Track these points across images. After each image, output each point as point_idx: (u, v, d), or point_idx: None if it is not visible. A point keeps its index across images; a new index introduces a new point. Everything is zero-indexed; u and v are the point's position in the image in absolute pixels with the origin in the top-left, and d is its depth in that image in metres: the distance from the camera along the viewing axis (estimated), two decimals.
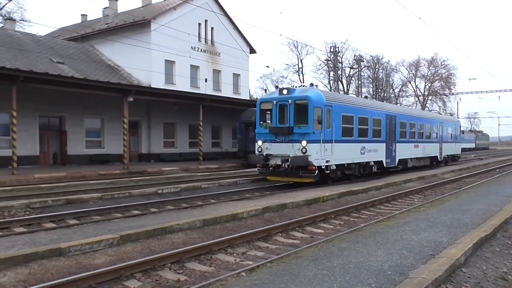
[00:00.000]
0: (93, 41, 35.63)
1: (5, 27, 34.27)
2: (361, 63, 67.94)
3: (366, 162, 21.00)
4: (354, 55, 67.59)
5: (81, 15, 45.52)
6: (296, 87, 19.03)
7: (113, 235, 8.38)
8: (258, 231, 9.73)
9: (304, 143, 16.82)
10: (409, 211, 12.62)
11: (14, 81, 19.86)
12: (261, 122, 18.69)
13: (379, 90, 78.50)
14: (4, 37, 27.89)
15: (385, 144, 22.48)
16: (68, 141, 27.61)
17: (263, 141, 18.10)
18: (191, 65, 35.67)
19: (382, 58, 79.22)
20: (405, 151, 24.71)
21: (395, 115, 23.83)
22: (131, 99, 24.40)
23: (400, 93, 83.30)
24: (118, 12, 38.26)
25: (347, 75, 73.27)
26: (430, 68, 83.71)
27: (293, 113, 17.48)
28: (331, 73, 69.53)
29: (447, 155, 32.51)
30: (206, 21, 37.33)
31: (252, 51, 42.52)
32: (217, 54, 38.33)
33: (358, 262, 6.59)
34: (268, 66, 79.65)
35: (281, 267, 6.62)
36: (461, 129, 39.00)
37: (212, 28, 37.97)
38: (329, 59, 65.80)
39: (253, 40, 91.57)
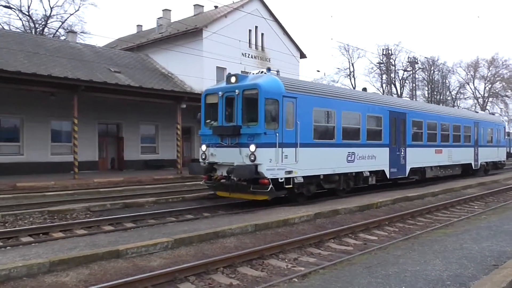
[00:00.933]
0: (148, 50, 36.89)
1: (67, 39, 36.22)
2: (415, 65, 65.93)
3: (356, 173, 16.22)
4: (408, 57, 65.72)
5: (137, 25, 47.26)
6: (251, 73, 14.42)
7: (168, 238, 8.60)
8: (310, 237, 9.64)
9: (252, 147, 12.61)
10: (469, 218, 12.06)
11: (75, 90, 20.95)
12: (206, 121, 14.47)
13: (435, 93, 75.77)
14: (66, 49, 29.46)
15: (388, 148, 17.75)
16: (125, 147, 28.75)
17: (207, 146, 14.00)
18: (241, 71, 35.80)
19: (437, 60, 76.45)
20: (421, 157, 20.06)
21: (404, 112, 18.93)
22: (184, 105, 25.04)
23: (457, 95, 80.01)
24: (171, 21, 39.41)
25: (400, 78, 71.35)
26: (490, 68, 79.71)
27: (241, 107, 13.23)
28: (384, 76, 67.98)
29: (485, 162, 27.15)
30: (256, 27, 37.66)
31: (303, 55, 42.39)
32: (268, 59, 38.52)
33: (415, 270, 6.37)
34: (318, 71, 79.23)
35: (334, 274, 6.52)
36: (506, 130, 33.72)
37: (262, 34, 38.24)
38: (381, 62, 64.38)
39: (304, 44, 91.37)
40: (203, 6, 40.72)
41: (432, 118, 21.50)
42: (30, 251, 7.62)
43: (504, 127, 31.68)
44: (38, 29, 34.24)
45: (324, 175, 14.70)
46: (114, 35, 74.41)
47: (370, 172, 16.77)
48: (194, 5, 40.75)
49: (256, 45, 37.80)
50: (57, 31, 37.15)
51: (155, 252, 8.15)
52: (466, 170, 25.09)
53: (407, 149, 19.09)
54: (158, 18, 40.17)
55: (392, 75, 66.08)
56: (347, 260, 7.63)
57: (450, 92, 79.62)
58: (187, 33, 33.98)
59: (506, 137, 34.63)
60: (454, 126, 23.40)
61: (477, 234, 8.92)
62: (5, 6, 33.55)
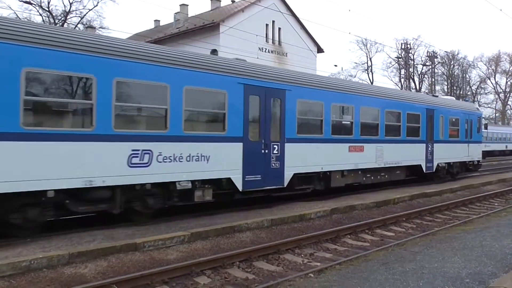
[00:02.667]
0: (165, 45, 37.08)
1: None
2: (435, 59, 64.87)
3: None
4: (427, 52, 64.65)
5: (154, 20, 47.57)
6: None
7: (184, 232, 8.67)
8: (326, 232, 9.62)
9: None
10: (489, 215, 11.88)
11: None
12: None
13: (455, 88, 74.52)
14: None
15: (242, 144, 11.32)
16: None
17: None
18: None
19: (457, 54, 75.08)
20: (315, 156, 13.23)
21: (279, 88, 12.25)
22: None
23: (478, 90, 78.56)
24: (189, 16, 39.53)
25: (419, 72, 70.36)
26: None
27: None
28: (402, 71, 67.10)
29: (446, 162, 20.19)
30: (273, 22, 37.51)
31: (320, 50, 42.11)
32: (285, 54, 38.38)
33: (432, 267, 6.29)
34: (336, 65, 78.37)
35: (350, 269, 6.49)
36: (483, 121, 24.85)
37: (279, 29, 38.09)
38: (400, 56, 63.54)
39: (321, 39, 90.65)
40: (220, 1, 40.74)
41: (342, 99, 14.42)
42: (50, 243, 7.75)
43: (480, 117, 23.48)
44: (57, 25, 34.66)
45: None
46: (132, 30, 75.02)
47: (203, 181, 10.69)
48: (211, 0, 40.77)
49: (273, 39, 37.68)
50: (76, 26, 37.56)
51: (172, 246, 8.22)
52: (416, 174, 18.75)
53: (286, 145, 12.33)
54: (176, 13, 40.35)
55: (411, 69, 65.22)
56: (364, 256, 7.59)
57: (470, 87, 78.29)
58: (204, 28, 34.04)
59: (484, 130, 25.73)
60: (389, 113, 16.40)
61: (497, 232, 8.77)
62: (26, 2, 33.95)
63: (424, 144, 18.40)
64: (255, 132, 11.67)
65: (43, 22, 34.74)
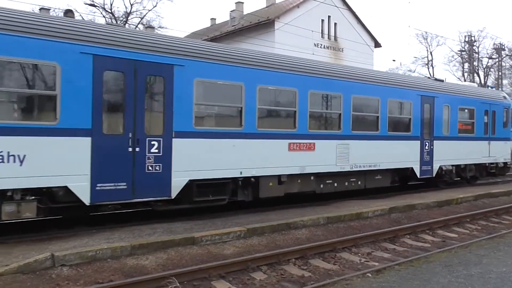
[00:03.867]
0: (221, 43, 37.64)
1: None
2: (502, 52, 61.30)
3: None
4: (494, 44, 61.20)
5: (210, 19, 48.35)
6: None
7: (241, 227, 8.75)
8: (385, 231, 9.37)
9: None
10: None
11: None
12: None
13: None
14: None
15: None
16: None
17: None
18: None
19: None
20: (227, 156, 10.12)
21: (166, 64, 9.24)
22: None
23: None
24: (244, 14, 39.84)
25: (484, 66, 66.82)
26: None
27: None
28: (466, 65, 64.01)
29: (454, 164, 15.99)
30: (329, 17, 36.99)
31: (377, 45, 41.03)
32: (341, 49, 37.75)
33: (500, 272, 5.96)
34: (394, 60, 76.02)
35: (410, 271, 6.28)
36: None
37: (335, 24, 37.50)
38: (463, 49, 60.63)
39: (378, 33, 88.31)
40: None
41: (280, 81, 11.03)
42: (113, 235, 8.10)
43: (509, 108, 18.72)
44: (119, 25, 36.20)
45: None
46: (189, 28, 76.71)
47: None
48: None
49: (328, 35, 37.16)
50: (136, 26, 38.95)
51: (228, 241, 8.33)
52: (408, 180, 15.43)
53: (176, 141, 9.27)
54: (231, 11, 40.78)
55: (475, 63, 62.09)
56: (425, 258, 7.32)
57: None
58: (259, 25, 34.16)
59: None
60: (358, 100, 12.77)
61: None
62: (90, 4, 35.62)
63: (418, 141, 14.55)
64: (115, 123, 8.67)
65: (105, 23, 36.32)
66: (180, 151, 9.30)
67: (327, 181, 12.39)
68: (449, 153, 15.74)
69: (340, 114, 12.34)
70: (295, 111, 11.33)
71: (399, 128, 14.13)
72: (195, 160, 9.55)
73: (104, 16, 38.24)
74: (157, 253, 7.41)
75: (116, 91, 8.74)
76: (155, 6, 40.33)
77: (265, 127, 10.86)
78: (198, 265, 6.78)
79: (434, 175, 15.15)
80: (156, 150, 9.01)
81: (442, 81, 17.05)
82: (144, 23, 40.31)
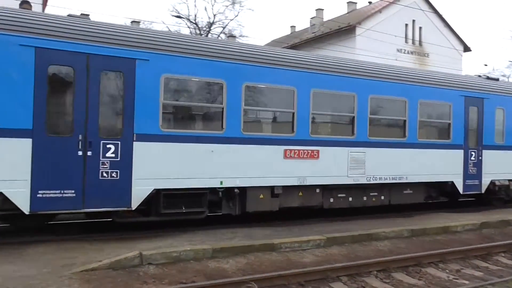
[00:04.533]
0: (301, 50, 37.70)
1: None
2: None
3: None
4: None
5: (290, 26, 48.61)
6: None
7: (320, 236, 8.64)
8: (476, 248, 8.76)
9: None
10: None
11: None
12: None
13: None
14: None
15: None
16: None
17: None
18: None
19: None
20: (214, 165, 9.02)
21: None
22: None
23: None
24: (324, 20, 39.57)
25: None
26: None
27: None
28: None
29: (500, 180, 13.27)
30: (413, 21, 35.56)
31: (467, 49, 38.70)
32: (426, 55, 36.11)
33: None
34: (486, 65, 71.02)
35: None
36: None
37: (420, 28, 35.97)
38: None
39: (468, 37, 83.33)
40: (356, 3, 40.00)
41: (270, 77, 9.67)
42: (195, 237, 8.37)
43: None
44: (202, 35, 37.55)
45: None
46: (269, 37, 77.76)
47: None
48: (348, 3, 40.21)
49: (413, 39, 35.73)
50: (218, 36, 40.23)
51: (308, 249, 8.25)
52: (448, 195, 13.26)
53: (138, 144, 8.28)
54: (311, 18, 40.70)
55: None
56: None
57: None
58: (340, 31, 33.72)
59: None
60: (377, 101, 11.14)
61: None
62: (177, 16, 37.45)
63: (461, 151, 12.43)
64: (62, 124, 7.95)
65: (190, 34, 37.93)
66: (143, 156, 8.25)
67: (339, 195, 10.71)
68: (505, 166, 13.28)
69: (353, 118, 10.68)
70: (293, 114, 9.90)
71: (433, 135, 12.33)
72: (162, 167, 8.42)
73: (188, 27, 39.99)
74: (237, 257, 7.52)
75: (64, 88, 7.94)
76: (237, 15, 41.41)
77: (254, 130, 9.62)
78: (277, 272, 6.78)
79: (483, 191, 12.90)
80: (113, 155, 8.02)
81: (497, 79, 14.66)
82: (226, 32, 41.54)
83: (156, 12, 70.03)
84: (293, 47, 37.87)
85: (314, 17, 40.43)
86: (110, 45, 8.09)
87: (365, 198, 11.12)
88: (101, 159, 7.93)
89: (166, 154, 8.49)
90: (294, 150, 9.87)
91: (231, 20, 41.55)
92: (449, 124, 12.30)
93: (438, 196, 13.04)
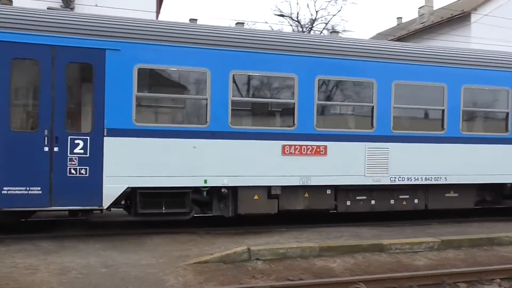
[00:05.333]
0: (409, 42, 35.86)
1: None
2: None
3: None
4: None
5: (397, 18, 46.42)
6: None
7: (434, 238, 8.13)
8: None
9: None
10: None
11: None
12: None
13: None
14: None
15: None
16: None
17: None
18: None
19: None
20: (196, 162, 8.29)
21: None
22: None
23: None
24: (434, 9, 37.16)
25: None
26: None
27: None
28: None
29: None
30: None
31: None
32: None
33: None
34: None
35: None
36: None
37: None
38: None
39: None
40: None
41: (259, 64, 8.71)
42: (301, 235, 8.39)
43: None
44: (305, 32, 37.54)
45: None
46: (374, 30, 75.15)
47: None
48: None
49: None
50: (321, 32, 39.87)
51: (420, 251, 7.82)
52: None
53: (108, 140, 7.83)
54: (420, 8, 38.47)
55: None
56: None
57: None
58: (452, 20, 31.38)
59: None
60: (405, 87, 9.63)
61: None
62: (279, 15, 37.92)
63: None
64: (26, 119, 7.82)
65: (292, 31, 38.16)
66: (115, 152, 7.77)
67: (357, 197, 9.41)
68: None
69: (372, 108, 9.28)
70: (294, 104, 8.78)
71: (483, 127, 10.53)
72: (136, 164, 7.89)
73: (291, 25, 40.22)
74: (344, 256, 7.37)
75: (28, 82, 7.80)
76: (340, 10, 40.73)
77: (244, 124, 8.86)
78: (387, 274, 6.51)
79: None
80: (81, 151, 7.63)
81: None
82: (328, 28, 41.05)
83: (260, 12, 71.56)
84: (400, 39, 36.17)
85: (422, 6, 38.14)
86: (77, 36, 7.66)
87: (392, 202, 9.66)
88: (68, 155, 7.59)
89: (141, 150, 7.92)
90: (295, 145, 8.75)
91: (333, 15, 41.02)
92: (507, 114, 10.32)
93: (498, 201, 10.72)
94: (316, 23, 40.19)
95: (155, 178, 7.98)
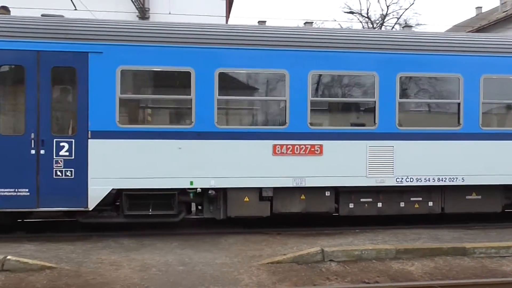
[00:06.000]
0: (490, 32, 33.65)
1: None
2: None
3: None
4: None
5: (476, 8, 43.76)
6: None
7: None
8: None
9: None
10: None
11: None
12: None
13: None
14: None
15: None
16: None
17: None
18: None
19: None
20: (182, 163, 8.19)
21: None
22: None
23: None
24: None
25: None
26: None
27: None
28: None
29: None
30: None
31: None
32: None
33: None
34: None
35: None
36: None
37: None
38: None
39: None
40: None
41: (244, 61, 8.47)
42: (376, 236, 8.15)
43: None
44: (375, 28, 36.50)
45: None
46: (450, 22, 71.34)
47: None
48: None
49: None
50: (393, 27, 38.57)
51: (507, 256, 7.28)
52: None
53: (93, 142, 7.97)
54: None
55: None
56: None
57: None
58: None
59: None
60: (417, 81, 9.09)
61: None
62: (349, 12, 37.24)
63: None
64: (13, 123, 8.09)
65: (362, 28, 37.29)
66: (99, 154, 7.89)
67: (362, 200, 8.85)
68: None
69: (374, 103, 8.65)
70: (285, 102, 8.41)
71: (507, 122, 9.56)
72: (121, 165, 7.95)
73: (360, 22, 39.32)
74: (423, 260, 7.03)
75: (15, 87, 8.02)
76: (412, 3, 39.11)
77: (231, 124, 8.83)
78: (472, 279, 6.13)
79: None
80: (67, 153, 7.83)
81: None
82: (400, 23, 39.62)
83: (329, 11, 70.65)
84: (480, 30, 34.09)
85: None
86: (61, 40, 7.89)
87: (402, 205, 8.96)
88: (54, 157, 7.81)
89: (125, 152, 7.97)
90: (287, 145, 8.36)
91: (405, 9, 39.54)
92: None
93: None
94: (387, 18, 38.95)
95: (140, 180, 8.02)
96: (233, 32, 8.65)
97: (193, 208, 9.13)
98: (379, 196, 8.87)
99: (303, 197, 8.62)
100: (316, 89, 8.70)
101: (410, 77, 8.92)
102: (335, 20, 49.93)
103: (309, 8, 64.39)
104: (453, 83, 8.91)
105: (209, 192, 8.27)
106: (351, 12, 37.24)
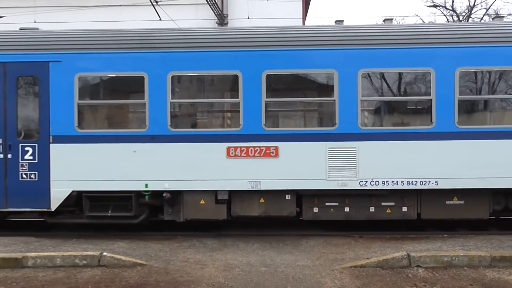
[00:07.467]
0: None
1: None
2: None
3: None
4: None
5: None
6: None
7: None
8: None
9: None
10: None
11: None
12: None
13: None
14: None
15: None
16: None
17: None
18: None
19: None
20: (136, 167, 8.28)
21: None
22: None
23: None
24: None
25: None
26: None
27: None
28: None
29: None
30: None
31: None
32: None
33: None
34: None
35: None
36: None
37: None
38: None
39: None
40: None
41: (193, 63, 8.34)
42: (468, 242, 7.67)
43: None
44: (461, 21, 34.37)
45: None
46: None
47: None
48: None
49: None
50: (481, 19, 36.11)
51: None
52: None
53: (54, 146, 8.31)
54: None
55: None
56: None
57: None
58: None
59: None
60: (385, 76, 8.35)
61: None
62: (432, 6, 35.33)
63: None
64: None
65: (446, 21, 35.37)
66: (60, 158, 8.26)
67: (327, 204, 8.37)
68: None
69: (334, 102, 8.16)
70: (238, 103, 8.23)
71: (488, 119, 8.62)
72: (80, 168, 8.24)
73: (444, 15, 37.26)
74: None
75: None
76: None
77: (184, 126, 8.77)
78: None
79: None
80: (31, 157, 8.29)
81: None
82: (490, 14, 37.00)
83: (410, 5, 67.84)
84: None
85: None
86: (25, 52, 8.43)
87: (372, 209, 8.39)
88: (20, 161, 8.32)
89: (84, 155, 8.28)
90: (241, 147, 8.18)
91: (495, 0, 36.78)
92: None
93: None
94: (474, 10, 36.51)
95: (98, 182, 8.31)
96: (186, 35, 8.75)
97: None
98: (345, 200, 8.47)
99: (262, 200, 8.51)
100: (271, 90, 8.47)
101: (374, 73, 8.34)
102: (417, 15, 47.59)
103: (389, 4, 62.24)
104: (423, 78, 8.27)
105: (164, 194, 8.36)
106: (435, 6, 35.31)
